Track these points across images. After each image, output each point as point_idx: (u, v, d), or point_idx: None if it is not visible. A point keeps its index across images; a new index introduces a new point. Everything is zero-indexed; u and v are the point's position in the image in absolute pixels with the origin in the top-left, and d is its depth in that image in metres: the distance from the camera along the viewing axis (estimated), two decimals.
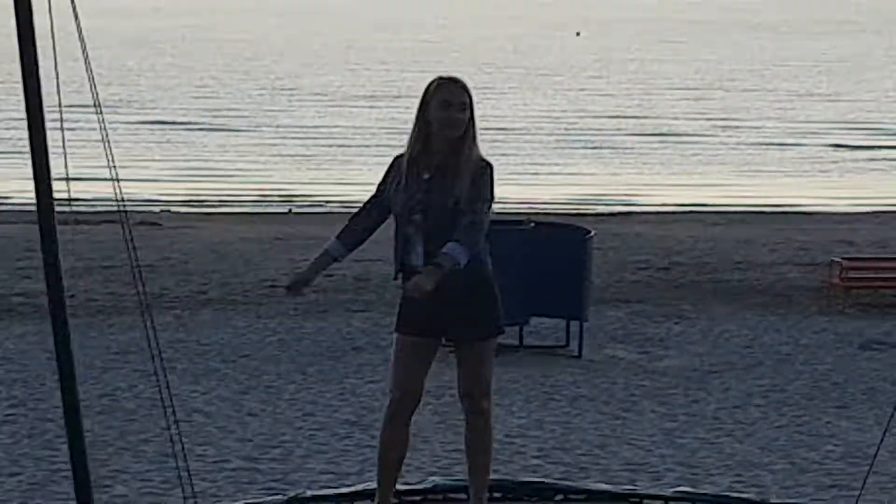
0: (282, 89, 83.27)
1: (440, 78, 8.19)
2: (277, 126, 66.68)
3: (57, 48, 9.29)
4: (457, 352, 8.16)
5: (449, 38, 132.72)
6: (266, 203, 46.98)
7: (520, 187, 46.16)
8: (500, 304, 8.21)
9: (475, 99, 8.24)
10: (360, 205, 8.39)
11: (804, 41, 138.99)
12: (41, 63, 9.61)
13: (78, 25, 9.36)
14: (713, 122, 70.76)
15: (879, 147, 63.93)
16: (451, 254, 7.98)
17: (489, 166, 8.14)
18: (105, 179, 10.14)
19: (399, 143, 8.43)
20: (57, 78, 9.63)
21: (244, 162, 56.22)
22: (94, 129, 9.77)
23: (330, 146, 60.10)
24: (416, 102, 8.20)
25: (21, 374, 22.73)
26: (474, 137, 8.09)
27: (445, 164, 8.02)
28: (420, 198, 7.99)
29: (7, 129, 57.39)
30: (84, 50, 9.57)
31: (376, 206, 8.18)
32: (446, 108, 7.98)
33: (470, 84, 8.35)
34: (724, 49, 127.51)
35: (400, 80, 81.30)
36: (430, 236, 7.97)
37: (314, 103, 76.71)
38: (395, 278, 8.25)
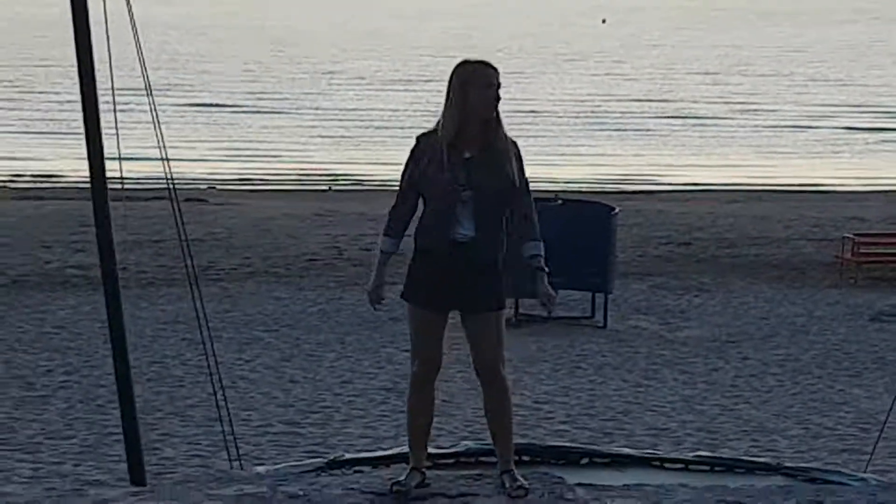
0: (321, 74, 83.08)
1: (474, 61, 8.16)
2: (317, 109, 66.63)
3: (109, 34, 9.30)
4: (467, 325, 8.14)
5: (477, 25, 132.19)
6: (306, 181, 46.93)
7: (548, 167, 46.08)
8: (503, 282, 8.19)
9: (508, 82, 8.25)
10: (397, 186, 8.31)
11: (819, 28, 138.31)
12: (94, 48, 9.64)
13: (131, 14, 9.38)
14: (731, 106, 70.50)
15: (890, 129, 63.60)
16: (541, 253, 8.31)
17: (516, 144, 8.18)
18: (155, 159, 10.18)
19: (429, 125, 8.39)
20: (110, 63, 9.65)
21: (286, 142, 56.19)
22: (145, 111, 9.79)
23: (366, 128, 60.06)
24: (445, 91, 8.17)
25: (75, 343, 22.78)
26: (500, 117, 8.09)
27: (483, 143, 8.01)
28: (465, 177, 7.96)
29: (63, 111, 57.43)
30: (136, 36, 9.58)
31: (412, 191, 8.11)
32: (481, 88, 7.97)
33: (501, 66, 8.36)
34: (742, 36, 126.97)
35: (433, 65, 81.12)
36: (481, 213, 7.95)
37: (352, 87, 76.66)
38: (423, 247, 8.14)
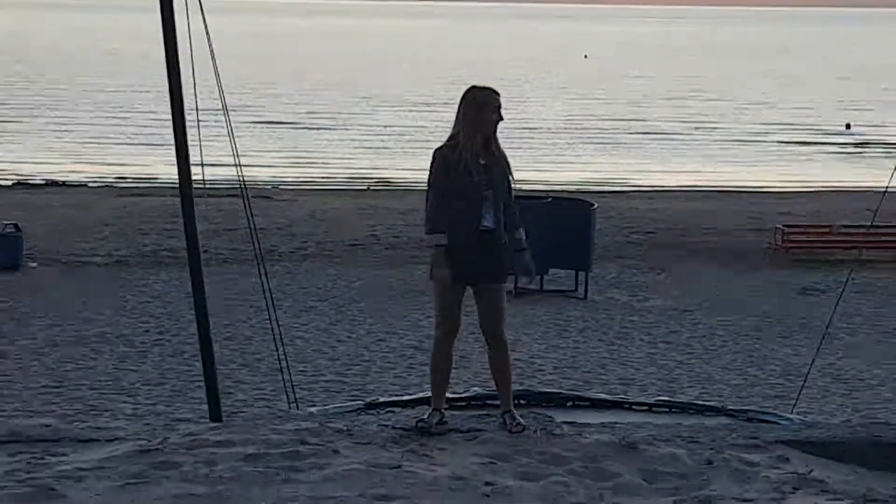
0: (362, 97, 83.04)
1: (484, 88, 8.18)
2: (359, 125, 66.65)
3: (193, 66, 9.33)
4: (477, 294, 8.15)
5: (483, 59, 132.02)
6: (351, 183, 46.90)
7: (541, 172, 46.03)
8: (506, 260, 8.22)
9: (509, 103, 8.26)
10: (427, 194, 8.23)
11: (756, 61, 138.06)
12: (182, 78, 9.65)
13: (211, 52, 9.39)
14: (688, 124, 70.38)
15: (813, 143, 63.57)
16: (523, 238, 8.22)
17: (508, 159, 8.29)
18: (230, 165, 10.20)
19: (443, 138, 8.40)
20: (195, 88, 9.68)
21: (334, 152, 56.20)
22: (222, 127, 9.80)
23: (397, 140, 60.07)
24: (457, 110, 8.19)
25: (166, 310, 22.83)
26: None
27: (488, 152, 8.06)
28: (486, 179, 8.02)
29: (157, 126, 57.48)
30: (215, 67, 9.59)
31: (446, 195, 8.10)
32: (492, 110, 8.03)
33: (503, 90, 8.39)
34: (695, 67, 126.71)
35: (446, 91, 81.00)
36: (497, 206, 8.03)
37: (386, 108, 76.57)
38: (452, 242, 8.09)
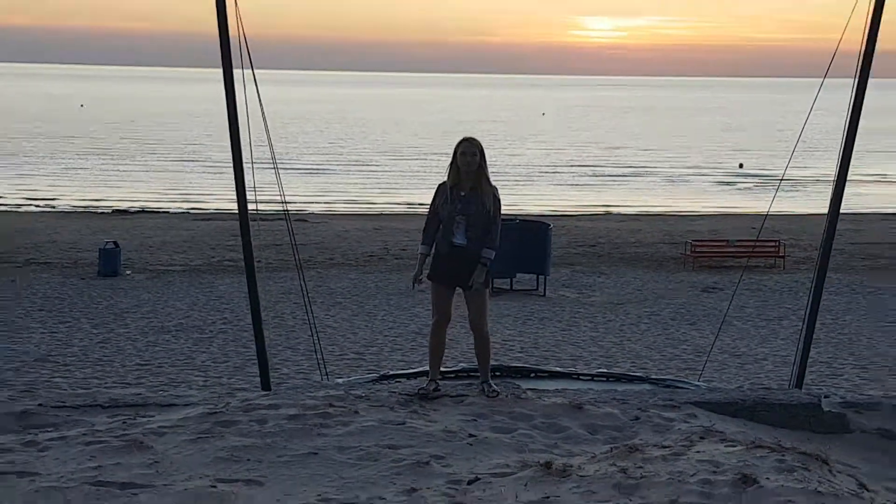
0: (379, 150, 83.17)
1: (466, 139, 8.16)
2: (375, 168, 66.83)
3: (249, 122, 9.33)
4: (466, 297, 8.12)
5: (473, 118, 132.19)
6: (369, 210, 46.98)
7: (513, 198, 46.10)
8: (489, 272, 8.12)
9: (485, 149, 8.16)
10: (426, 216, 8.19)
11: (682, 119, 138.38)
12: (243, 132, 9.64)
13: (263, 114, 9.38)
14: (621, 167, 70.52)
15: (715, 178, 63.83)
16: (489, 256, 7.98)
17: (497, 190, 8.13)
18: (277, 201, 10.19)
19: (441, 177, 8.39)
20: (250, 140, 9.67)
21: (357, 188, 56.28)
22: (272, 168, 9.80)
23: (406, 179, 60.19)
24: (450, 156, 8.16)
25: (229, 305, 22.86)
26: (485, 171, 8.04)
27: (472, 187, 7.99)
28: (461, 207, 7.94)
29: (222, 168, 57.59)
30: (266, 127, 9.58)
31: (436, 217, 8.09)
32: (465, 155, 7.96)
33: (482, 141, 8.32)
34: (631, 124, 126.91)
35: (437, 144, 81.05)
36: (468, 228, 7.93)
37: (399, 156, 76.71)
38: (436, 251, 8.11)
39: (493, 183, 8.15)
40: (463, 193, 8.00)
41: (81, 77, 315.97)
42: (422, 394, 7.90)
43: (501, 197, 8.15)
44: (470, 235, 7.98)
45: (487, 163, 8.14)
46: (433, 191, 8.24)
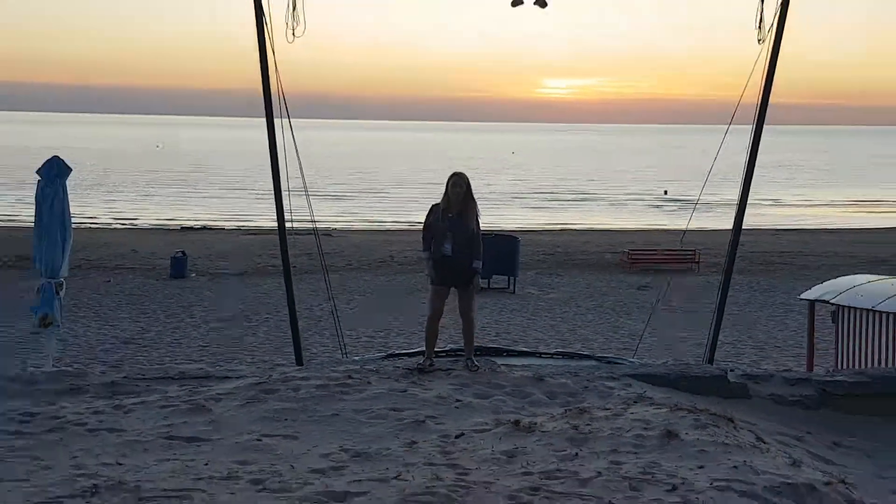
0: (388, 180, 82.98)
1: (455, 173, 8.13)
2: (385, 195, 66.82)
3: (285, 158, 9.34)
4: (458, 291, 8.09)
5: (462, 155, 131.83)
6: (379, 226, 46.90)
7: (490, 218, 46.02)
8: (466, 273, 8.07)
9: (471, 179, 8.12)
10: (422, 231, 8.17)
11: (624, 158, 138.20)
12: (281, 165, 9.64)
13: (297, 153, 9.37)
14: (576, 194, 70.53)
15: (645, 202, 63.88)
16: (478, 266, 7.96)
17: (478, 213, 8.11)
18: (308, 219, 10.20)
19: (435, 199, 8.37)
20: (287, 171, 9.67)
21: (370, 210, 56.21)
22: (303, 195, 9.79)
23: (408, 203, 60.09)
24: (444, 185, 8.12)
25: (271, 300, 22.76)
26: (472, 198, 8.02)
27: (459, 211, 7.97)
28: (450, 226, 7.93)
29: (265, 195, 57.51)
30: (299, 162, 9.59)
31: (429, 230, 8.06)
32: (455, 186, 7.95)
33: (469, 175, 8.29)
34: (584, 160, 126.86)
35: (433, 176, 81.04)
36: (454, 242, 7.91)
37: (403, 185, 76.64)
38: (431, 257, 8.08)
39: (478, 204, 8.14)
40: (451, 215, 8.01)
41: (157, 124, 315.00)
42: (420, 368, 7.88)
43: (481, 218, 8.17)
44: (455, 248, 7.99)
45: (473, 189, 8.15)
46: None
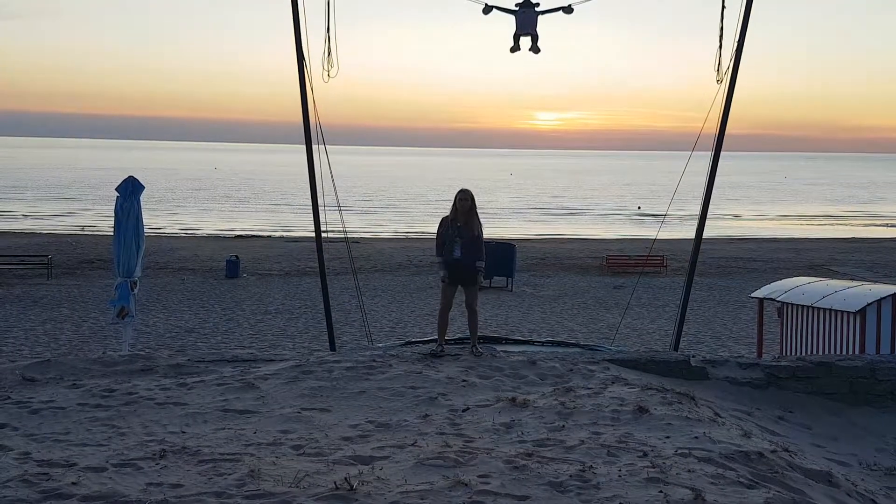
0: (406, 197, 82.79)
1: (462, 190, 8.12)
2: (405, 209, 66.62)
3: (321, 178, 9.33)
4: (464, 288, 8.07)
5: (467, 176, 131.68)
6: (399, 234, 46.83)
7: (491, 228, 45.93)
8: (472, 274, 8.05)
9: (476, 194, 8.10)
10: (435, 239, 8.13)
11: (598, 177, 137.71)
12: (318, 181, 9.62)
13: (331, 174, 9.39)
14: (564, 209, 70.25)
15: (622, 217, 63.67)
16: (481, 265, 7.93)
17: (480, 221, 8.10)
18: (339, 230, 10.20)
19: (444, 212, 8.36)
20: (322, 191, 9.67)
21: (392, 221, 56.19)
22: (337, 210, 9.79)
23: (424, 216, 59.98)
24: (452, 200, 8.09)
25: (308, 296, 22.75)
26: (476, 210, 8.00)
27: (466, 221, 7.96)
28: (458, 233, 7.90)
29: (305, 208, 57.56)
30: (332, 181, 9.59)
31: (440, 238, 8.02)
32: (462, 200, 7.93)
33: (473, 189, 8.30)
34: (570, 180, 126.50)
35: (442, 193, 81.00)
36: (463, 247, 7.88)
37: (419, 201, 76.45)
38: (444, 260, 8.05)
39: (481, 216, 8.15)
40: (459, 224, 8.00)
41: (214, 150, 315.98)
42: (433, 353, 7.87)
43: (483, 228, 8.17)
44: (463, 252, 8.00)
45: (477, 204, 8.14)
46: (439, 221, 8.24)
